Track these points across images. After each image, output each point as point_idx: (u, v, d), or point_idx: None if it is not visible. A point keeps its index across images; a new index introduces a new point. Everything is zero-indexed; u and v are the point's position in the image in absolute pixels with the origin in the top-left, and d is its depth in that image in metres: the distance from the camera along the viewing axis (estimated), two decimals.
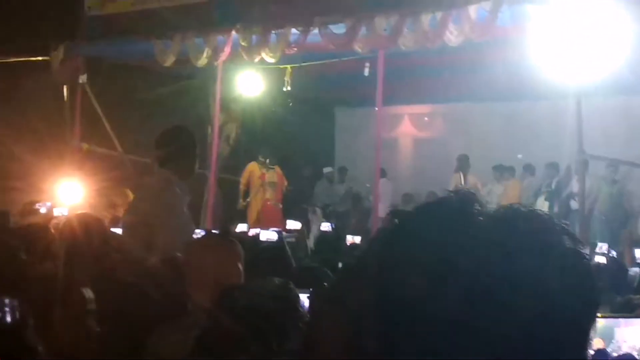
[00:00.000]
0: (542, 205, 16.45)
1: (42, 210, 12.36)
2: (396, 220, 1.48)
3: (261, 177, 18.06)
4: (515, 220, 1.38)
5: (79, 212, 6.65)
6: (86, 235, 4.97)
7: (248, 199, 18.31)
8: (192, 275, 4.41)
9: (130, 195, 15.39)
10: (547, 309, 1.31)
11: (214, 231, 8.18)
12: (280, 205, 18.21)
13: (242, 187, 18.35)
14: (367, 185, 19.10)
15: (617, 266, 8.55)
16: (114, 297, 4.04)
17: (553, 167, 17.53)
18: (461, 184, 18.03)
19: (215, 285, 4.15)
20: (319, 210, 19.45)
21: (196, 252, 4.63)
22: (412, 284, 1.35)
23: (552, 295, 1.31)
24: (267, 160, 18.14)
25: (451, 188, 18.14)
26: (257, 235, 10.65)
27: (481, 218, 1.39)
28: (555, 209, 16.42)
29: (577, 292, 1.34)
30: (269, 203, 18.10)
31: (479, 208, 1.40)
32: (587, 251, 1.41)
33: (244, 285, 3.51)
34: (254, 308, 3.28)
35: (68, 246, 4.98)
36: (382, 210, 17.69)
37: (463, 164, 18.51)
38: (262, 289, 3.39)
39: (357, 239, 11.55)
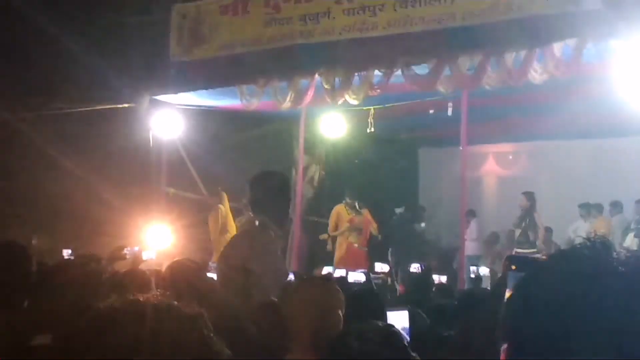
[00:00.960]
0: (632, 242, 16.19)
1: (129, 255, 12.55)
2: (513, 267, 1.49)
3: (350, 221, 17.93)
4: None
5: (178, 259, 6.69)
6: (189, 282, 5.00)
7: (330, 237, 18.26)
8: (292, 320, 4.41)
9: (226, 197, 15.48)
10: None
11: (308, 275, 8.19)
12: (366, 249, 18.05)
13: (330, 230, 18.14)
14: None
15: None
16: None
17: None
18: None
19: (317, 331, 4.15)
20: (390, 250, 19.44)
21: (298, 297, 4.63)
22: (552, 328, 1.35)
23: None
24: (357, 204, 17.98)
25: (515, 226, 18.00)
26: (344, 277, 10.67)
27: (619, 267, 1.38)
28: None
29: None
30: (354, 246, 17.97)
31: (617, 256, 1.40)
32: None
33: (354, 331, 3.49)
34: (368, 355, 3.26)
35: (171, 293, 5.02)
36: (472, 249, 17.81)
37: (532, 201, 18.30)
38: (373, 334, 3.37)
39: (444, 279, 11.50)
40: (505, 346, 1.48)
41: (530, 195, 17.59)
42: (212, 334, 2.49)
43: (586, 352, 1.31)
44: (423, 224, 20.93)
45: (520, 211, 17.65)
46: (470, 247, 19.35)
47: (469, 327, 3.95)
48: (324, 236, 18.28)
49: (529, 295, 1.45)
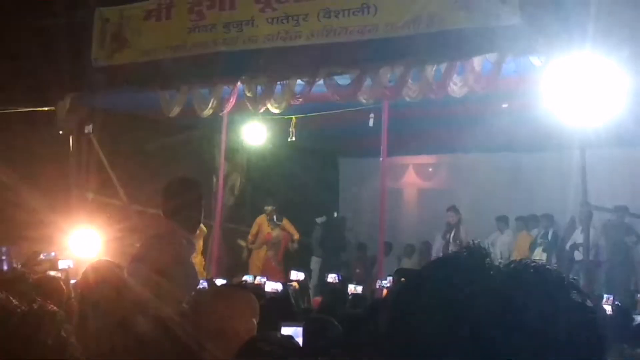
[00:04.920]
0: (540, 256, 16.33)
1: (44, 260, 12.37)
2: (402, 279, 1.53)
3: (267, 238, 17.97)
4: (525, 275, 1.41)
5: (99, 260, 6.63)
6: (103, 285, 4.95)
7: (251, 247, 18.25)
8: (206, 327, 4.40)
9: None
10: None
11: (221, 281, 8.16)
12: (281, 267, 18.08)
13: (250, 237, 18.11)
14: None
15: (623, 315, 8.60)
16: (129, 349, 4.02)
17: (547, 218, 17.48)
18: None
19: (230, 337, 4.15)
20: (315, 259, 19.44)
21: (212, 304, 4.62)
22: (424, 335, 1.38)
23: (558, 348, 1.34)
24: (275, 217, 18.01)
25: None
26: (262, 285, 10.70)
27: (492, 272, 1.42)
28: (553, 260, 16.27)
29: (583, 346, 1.37)
30: (271, 262, 17.98)
31: (490, 262, 1.44)
32: (593, 305, 1.44)
33: (266, 336, 3.51)
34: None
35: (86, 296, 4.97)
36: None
37: (459, 215, 18.38)
38: (284, 340, 3.40)
39: (359, 289, 11.57)
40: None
41: (457, 210, 17.75)
42: (64, 335, 2.48)
43: (453, 354, 1.35)
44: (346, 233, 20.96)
45: (446, 225, 17.79)
46: None
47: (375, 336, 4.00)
48: (241, 242, 18.31)
49: (400, 302, 1.48)
